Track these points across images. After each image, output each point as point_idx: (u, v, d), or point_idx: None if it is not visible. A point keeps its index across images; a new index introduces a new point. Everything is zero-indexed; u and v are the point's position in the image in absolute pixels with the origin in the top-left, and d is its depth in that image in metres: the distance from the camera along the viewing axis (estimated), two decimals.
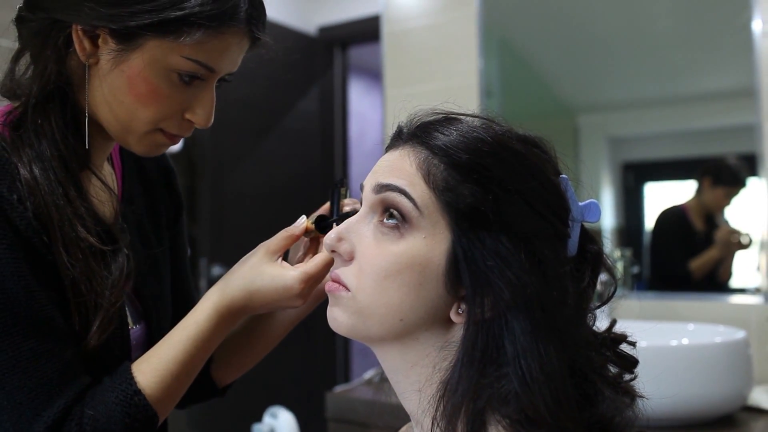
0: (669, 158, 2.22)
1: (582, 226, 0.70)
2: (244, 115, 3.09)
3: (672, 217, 2.16)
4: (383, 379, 1.95)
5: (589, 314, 0.69)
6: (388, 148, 0.73)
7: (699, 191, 2.08)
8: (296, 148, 3.38)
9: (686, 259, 2.07)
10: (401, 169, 0.67)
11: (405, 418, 0.88)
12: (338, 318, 0.69)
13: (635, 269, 2.04)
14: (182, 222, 1.09)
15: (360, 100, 4.60)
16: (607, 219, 2.20)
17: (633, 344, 0.71)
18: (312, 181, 3.45)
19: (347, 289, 0.68)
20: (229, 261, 3.38)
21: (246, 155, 3.11)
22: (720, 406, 1.40)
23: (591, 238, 0.71)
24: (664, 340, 1.45)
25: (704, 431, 1.38)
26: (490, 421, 0.63)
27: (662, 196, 2.59)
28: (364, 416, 1.77)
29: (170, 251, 1.05)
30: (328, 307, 0.71)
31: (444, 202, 0.65)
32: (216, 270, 2.87)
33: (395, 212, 0.66)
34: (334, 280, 0.70)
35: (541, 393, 0.60)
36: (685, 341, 1.47)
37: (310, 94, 3.44)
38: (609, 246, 0.72)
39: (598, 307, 0.72)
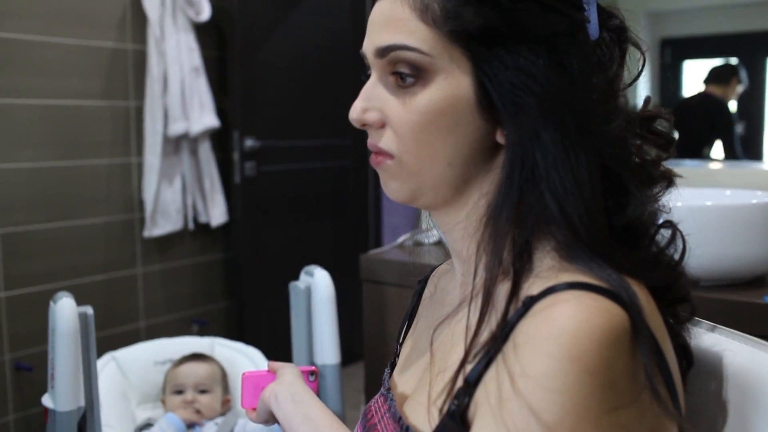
0: (709, 34, 2.13)
1: (598, 5, 0.67)
2: None
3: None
4: (416, 243, 1.99)
5: (622, 96, 0.68)
6: None
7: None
8: (326, 18, 3.31)
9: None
10: (394, 21, 0.65)
11: None
12: (393, 188, 0.69)
13: (675, 135, 2.00)
14: None
15: None
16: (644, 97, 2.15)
17: (669, 120, 0.71)
18: (342, 53, 3.39)
19: (390, 155, 0.68)
20: (261, 134, 3.38)
21: (275, 25, 3.05)
22: (753, 267, 1.41)
23: (609, 14, 0.69)
24: (701, 202, 1.45)
25: (737, 291, 1.40)
26: (537, 247, 0.64)
27: (701, 74, 2.50)
28: (397, 277, 1.82)
29: None
30: (381, 182, 0.71)
31: (449, 34, 0.63)
32: (248, 142, 2.88)
33: (406, 68, 0.65)
34: (375, 152, 0.69)
35: (574, 204, 0.60)
36: (721, 202, 1.47)
37: None
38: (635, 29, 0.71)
39: (631, 83, 0.71)
